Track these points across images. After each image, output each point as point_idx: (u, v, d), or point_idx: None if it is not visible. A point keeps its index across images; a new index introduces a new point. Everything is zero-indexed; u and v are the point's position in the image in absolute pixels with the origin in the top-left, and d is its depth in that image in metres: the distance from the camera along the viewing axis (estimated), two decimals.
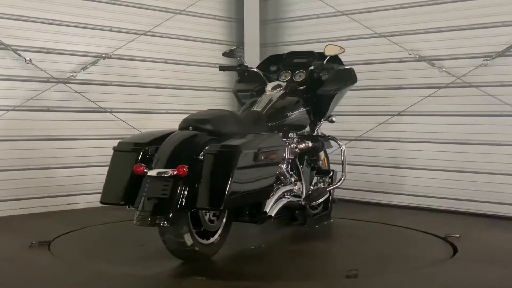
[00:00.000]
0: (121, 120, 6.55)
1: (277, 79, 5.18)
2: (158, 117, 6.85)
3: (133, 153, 3.90)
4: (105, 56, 6.44)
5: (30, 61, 5.92)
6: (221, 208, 3.73)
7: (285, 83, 5.07)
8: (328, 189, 5.24)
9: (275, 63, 5.34)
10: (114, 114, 6.53)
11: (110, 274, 3.96)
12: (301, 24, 7.36)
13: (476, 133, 6.02)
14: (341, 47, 5.03)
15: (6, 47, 5.81)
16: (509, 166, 5.82)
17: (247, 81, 5.29)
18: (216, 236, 4.18)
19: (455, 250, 4.52)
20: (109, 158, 6.42)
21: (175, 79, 6.96)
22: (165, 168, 3.75)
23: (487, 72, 5.94)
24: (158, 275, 3.96)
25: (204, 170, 3.74)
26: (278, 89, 4.99)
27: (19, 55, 5.87)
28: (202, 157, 3.80)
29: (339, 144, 5.35)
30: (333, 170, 5.40)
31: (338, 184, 5.28)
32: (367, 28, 6.71)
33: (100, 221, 5.52)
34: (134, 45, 6.64)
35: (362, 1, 6.79)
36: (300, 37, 7.33)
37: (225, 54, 5.27)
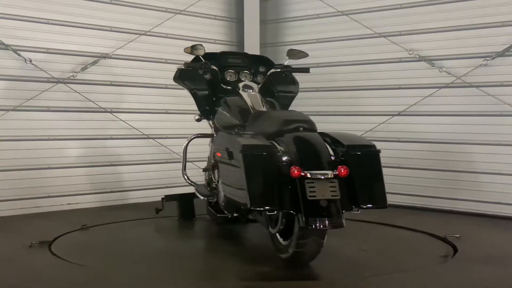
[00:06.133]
0: (121, 120, 6.55)
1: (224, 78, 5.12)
2: (158, 117, 6.86)
3: (273, 156, 3.81)
4: (105, 56, 6.44)
5: (30, 61, 5.92)
6: (387, 206, 3.83)
7: (255, 83, 5.04)
8: None
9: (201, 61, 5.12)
10: (114, 114, 6.53)
11: (110, 274, 3.96)
12: (301, 24, 7.36)
13: (476, 133, 6.02)
14: (304, 52, 5.11)
15: (6, 47, 5.81)
16: (509, 166, 5.82)
17: (193, 78, 5.14)
18: None
19: (455, 250, 4.52)
20: (108, 158, 6.54)
21: None
22: (322, 169, 3.72)
23: (487, 72, 5.94)
24: (158, 275, 3.96)
25: (360, 171, 3.80)
26: (250, 90, 4.95)
27: (19, 55, 5.87)
28: (333, 157, 3.84)
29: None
30: None
31: None
32: (367, 28, 6.71)
33: (100, 221, 5.52)
34: (134, 45, 6.64)
35: (362, 1, 6.79)
36: (300, 37, 7.33)
37: (186, 50, 5.07)
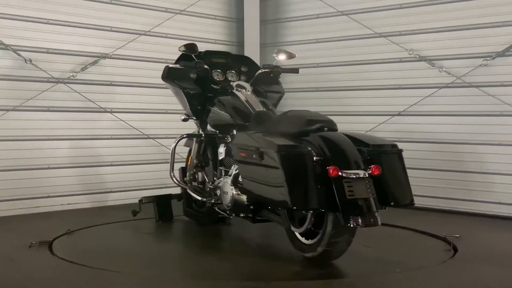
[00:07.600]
0: (121, 120, 6.55)
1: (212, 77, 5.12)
2: (158, 117, 6.85)
3: (308, 156, 3.81)
4: (105, 56, 6.44)
5: (30, 61, 5.92)
6: (414, 204, 3.93)
7: (247, 83, 5.05)
8: None
9: (188, 61, 5.13)
10: (114, 114, 6.53)
11: (110, 274, 3.96)
12: (301, 24, 7.36)
13: (476, 133, 6.02)
14: (292, 53, 5.14)
15: (6, 47, 5.81)
16: (509, 166, 5.82)
17: (183, 78, 5.13)
18: None
19: (455, 250, 4.52)
20: (108, 158, 6.53)
21: None
22: (356, 169, 3.76)
23: (487, 72, 5.94)
24: (158, 275, 3.96)
25: (388, 170, 3.86)
26: (243, 89, 4.94)
27: (19, 55, 5.87)
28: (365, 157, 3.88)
29: None
30: None
31: None
32: (367, 28, 6.71)
33: (100, 221, 5.52)
34: (134, 45, 6.64)
35: (362, 1, 6.79)
36: (300, 37, 7.34)
37: (181, 49, 5.03)
